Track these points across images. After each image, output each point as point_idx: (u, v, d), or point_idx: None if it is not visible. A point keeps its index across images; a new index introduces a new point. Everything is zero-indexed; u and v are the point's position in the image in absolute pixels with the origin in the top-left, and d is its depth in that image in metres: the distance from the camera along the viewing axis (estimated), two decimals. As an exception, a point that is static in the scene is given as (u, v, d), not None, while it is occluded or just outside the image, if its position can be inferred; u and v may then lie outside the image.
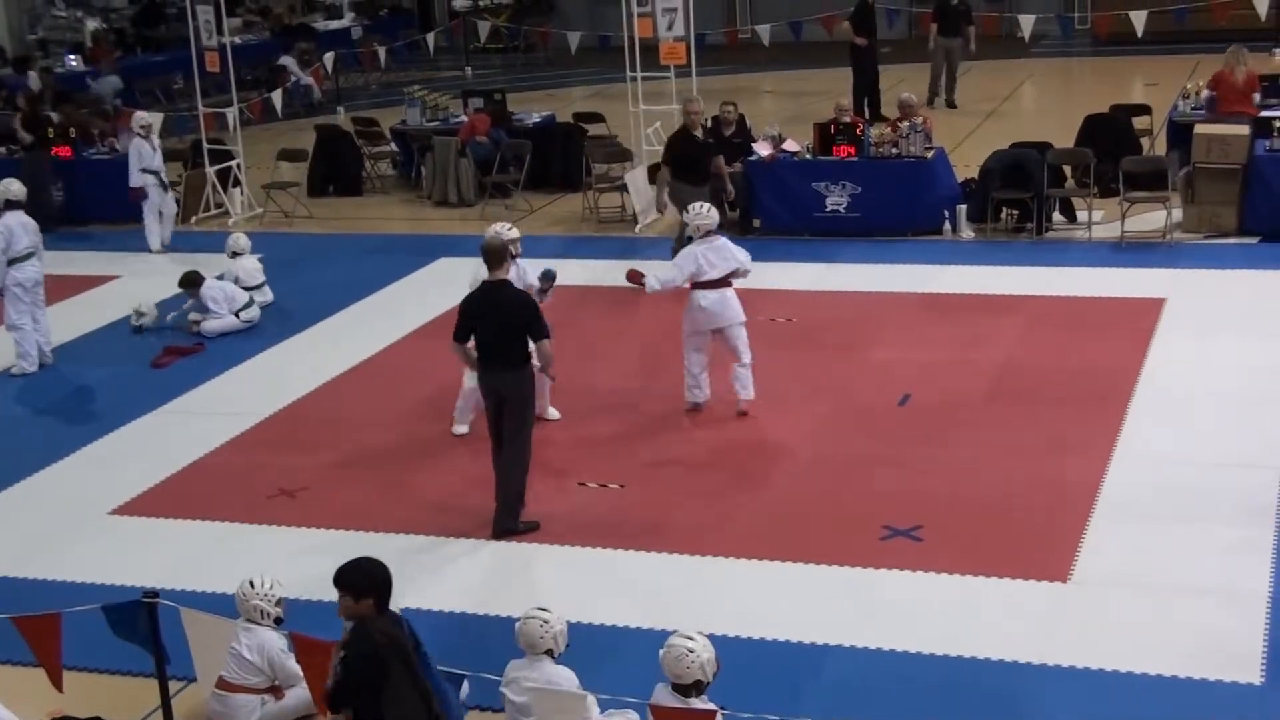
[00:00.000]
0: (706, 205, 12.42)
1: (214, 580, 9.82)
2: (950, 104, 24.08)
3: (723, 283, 12.12)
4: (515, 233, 12.11)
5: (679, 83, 19.21)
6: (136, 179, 18.48)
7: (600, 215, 18.96)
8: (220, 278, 15.82)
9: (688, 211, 12.49)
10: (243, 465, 12.07)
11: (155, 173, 18.60)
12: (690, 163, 15.61)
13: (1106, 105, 19.36)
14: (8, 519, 11.41)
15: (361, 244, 18.60)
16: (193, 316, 15.40)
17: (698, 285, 12.11)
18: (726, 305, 12.15)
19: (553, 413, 12.42)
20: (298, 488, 11.49)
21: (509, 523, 10.38)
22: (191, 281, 15.42)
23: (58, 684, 7.38)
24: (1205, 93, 17.78)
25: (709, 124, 18.21)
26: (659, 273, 12.37)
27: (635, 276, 12.61)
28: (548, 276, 12.08)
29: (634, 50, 19.20)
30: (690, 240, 12.27)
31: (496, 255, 10.29)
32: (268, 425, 12.89)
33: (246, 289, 15.66)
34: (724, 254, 12.09)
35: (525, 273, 12.02)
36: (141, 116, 19.00)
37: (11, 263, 14.27)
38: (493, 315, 10.25)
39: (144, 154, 18.52)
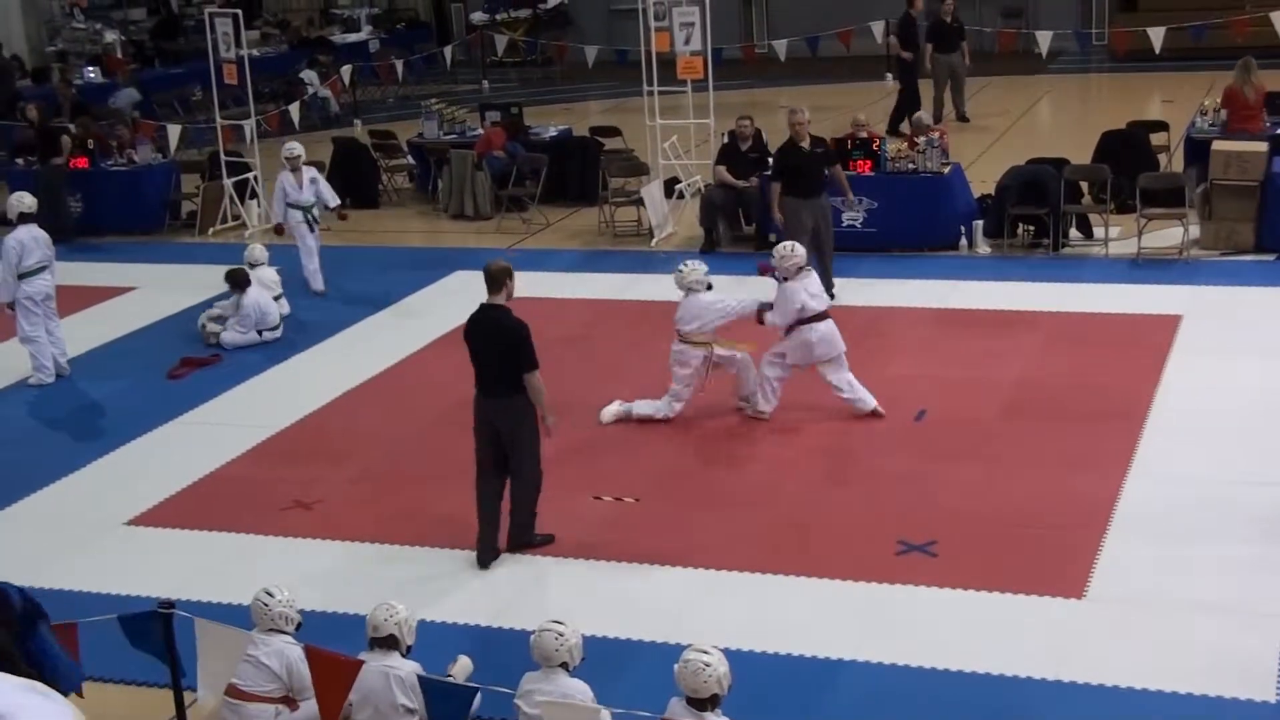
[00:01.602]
0: (791, 244, 12.42)
1: (230, 591, 9.85)
2: (962, 118, 24.08)
3: (826, 314, 12.23)
4: (704, 267, 12.40)
5: (696, 97, 19.24)
6: (280, 212, 17.06)
7: (616, 229, 18.97)
8: (228, 294, 15.87)
9: (774, 255, 12.39)
10: (258, 477, 12.10)
11: (303, 209, 16.88)
12: (800, 175, 15.00)
13: (1124, 122, 19.35)
14: (25, 529, 11.45)
15: (377, 257, 18.64)
16: (211, 328, 15.43)
17: (804, 320, 12.17)
18: (834, 336, 12.24)
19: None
20: (313, 500, 11.51)
21: (524, 537, 10.33)
22: (238, 282, 15.37)
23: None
24: (1223, 113, 17.74)
25: (726, 138, 18.26)
26: (776, 316, 12.31)
27: (766, 269, 12.77)
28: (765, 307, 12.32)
29: (651, 64, 19.23)
30: (784, 278, 12.28)
31: (495, 279, 10.06)
32: (283, 437, 12.92)
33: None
34: (818, 286, 12.31)
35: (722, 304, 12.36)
36: (290, 148, 17.11)
37: (22, 276, 14.30)
38: (485, 340, 10.09)
39: (288, 187, 16.90)
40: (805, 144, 15.15)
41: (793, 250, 12.29)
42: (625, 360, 14.10)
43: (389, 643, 7.99)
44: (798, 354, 12.28)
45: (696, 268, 12.40)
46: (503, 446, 10.15)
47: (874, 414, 12.31)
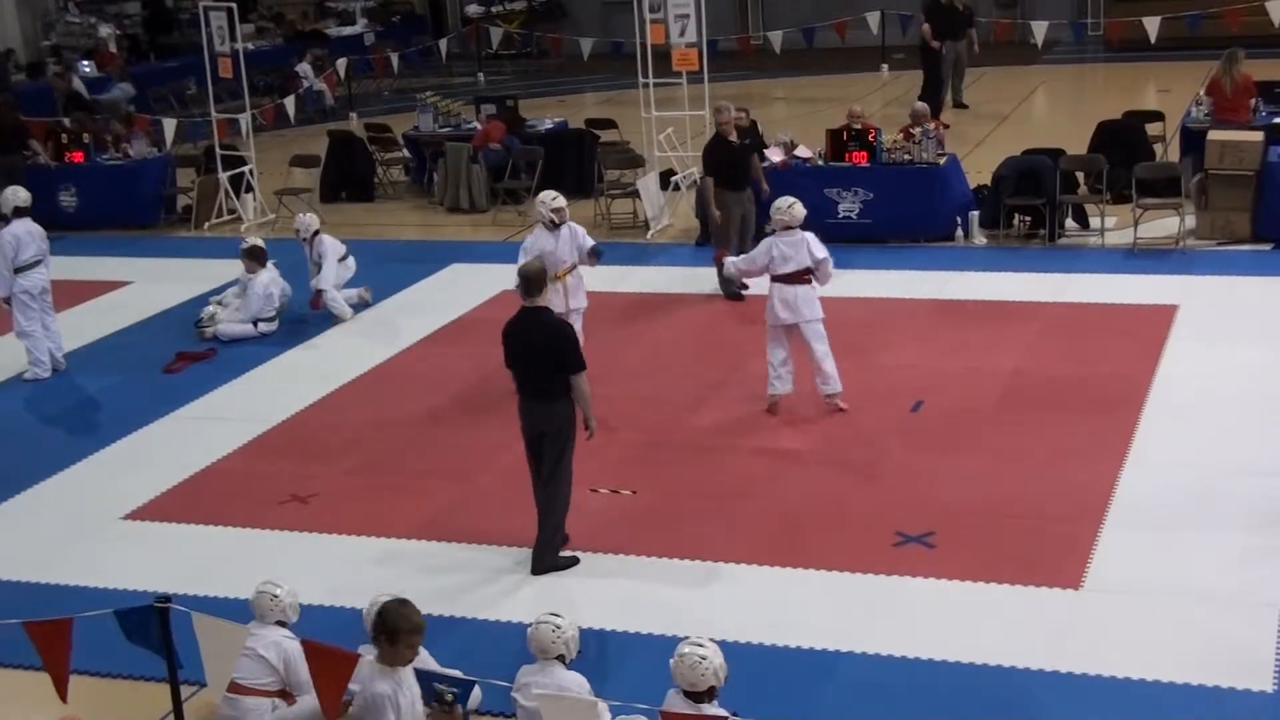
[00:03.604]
0: (790, 200, 12.33)
1: (226, 585, 9.85)
2: (961, 104, 24.08)
3: (797, 278, 12.11)
4: (561, 201, 12.76)
5: (691, 88, 19.22)
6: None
7: (612, 221, 18.97)
8: (234, 283, 15.88)
9: (774, 207, 12.38)
10: (255, 471, 12.09)
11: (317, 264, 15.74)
12: (728, 168, 15.35)
13: (1119, 111, 19.36)
14: (21, 524, 11.43)
15: (373, 250, 18.58)
16: (206, 323, 15.42)
17: (775, 279, 12.18)
18: (800, 301, 12.14)
19: None
20: (309, 493, 11.50)
21: (549, 559, 10.00)
22: (258, 257, 15.34)
23: (62, 693, 7.36)
24: (1206, 100, 17.80)
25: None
26: (740, 260, 12.70)
27: (720, 258, 13.12)
28: (595, 253, 12.89)
29: (646, 56, 19.21)
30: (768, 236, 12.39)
31: (535, 282, 9.84)
32: (279, 431, 12.91)
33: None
34: (799, 249, 12.09)
35: (578, 234, 12.78)
36: (298, 222, 16.02)
37: (18, 270, 14.30)
38: (529, 344, 9.80)
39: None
40: (733, 138, 15.51)
41: (789, 207, 12.21)
42: (620, 351, 14.08)
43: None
44: (769, 314, 12.27)
45: (546, 200, 12.87)
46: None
47: (838, 407, 12.30)
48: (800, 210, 12.23)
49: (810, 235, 12.21)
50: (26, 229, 14.37)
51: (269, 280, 15.38)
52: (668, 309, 14.54)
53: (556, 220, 12.72)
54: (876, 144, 17.22)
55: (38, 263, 14.41)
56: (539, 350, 9.76)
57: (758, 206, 15.50)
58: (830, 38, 26.11)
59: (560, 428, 9.81)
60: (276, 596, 8.29)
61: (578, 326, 12.18)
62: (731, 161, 15.40)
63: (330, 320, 15.66)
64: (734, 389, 12.81)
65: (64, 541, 11.01)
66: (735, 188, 15.29)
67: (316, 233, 15.81)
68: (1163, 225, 16.58)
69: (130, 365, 14.90)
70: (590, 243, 12.91)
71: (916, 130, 17.31)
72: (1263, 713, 7.94)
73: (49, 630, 7.41)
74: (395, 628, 7.12)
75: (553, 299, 12.44)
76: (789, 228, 12.15)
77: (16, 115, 21.81)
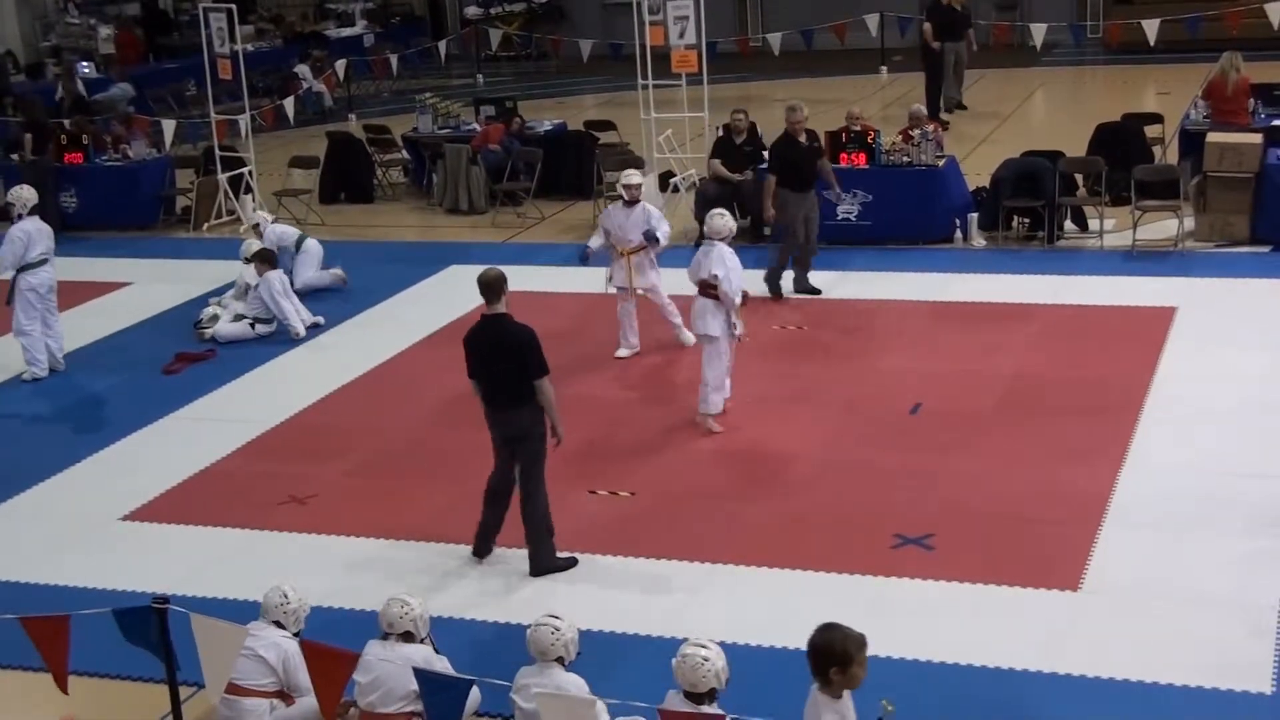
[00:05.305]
0: (720, 213, 12.28)
1: (224, 586, 9.86)
2: (959, 105, 24.08)
3: (702, 290, 12.07)
4: (636, 179, 13.81)
5: (690, 90, 19.21)
6: None
7: (611, 223, 18.94)
8: (231, 285, 15.89)
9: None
10: (253, 472, 12.08)
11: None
12: (794, 169, 15.28)
13: (1118, 114, 19.36)
14: (19, 525, 11.43)
15: (372, 251, 18.62)
16: (206, 324, 15.42)
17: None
18: (696, 313, 12.13)
19: (688, 337, 13.46)
20: (308, 495, 11.50)
21: (546, 560, 10.00)
22: (268, 260, 15.36)
23: (63, 686, 7.38)
24: (1204, 103, 17.80)
25: (720, 131, 18.24)
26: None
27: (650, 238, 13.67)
28: (650, 237, 13.55)
29: (645, 58, 19.22)
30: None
31: (493, 288, 9.81)
32: (278, 432, 12.90)
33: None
34: (707, 259, 11.98)
35: (651, 215, 13.68)
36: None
37: (26, 268, 14.31)
38: (490, 352, 9.77)
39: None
40: (801, 139, 15.36)
41: (713, 216, 12.18)
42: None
43: (404, 637, 7.98)
44: None
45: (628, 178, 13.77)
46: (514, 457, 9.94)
47: (709, 429, 12.12)
48: (717, 223, 12.08)
49: (722, 249, 11.96)
50: (36, 226, 14.41)
51: (277, 277, 15.36)
52: (662, 310, 14.45)
53: (627, 197, 13.59)
54: (875, 146, 17.22)
55: (44, 261, 14.42)
56: (501, 357, 9.71)
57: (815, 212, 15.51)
58: (829, 40, 26.12)
59: (529, 433, 9.80)
60: (286, 597, 8.31)
61: (666, 306, 13.85)
62: (797, 161, 15.28)
63: (329, 322, 15.66)
64: (732, 391, 12.79)
65: (62, 542, 11.00)
66: (798, 189, 15.18)
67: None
68: (1161, 227, 16.57)
69: (129, 366, 14.90)
70: (658, 227, 13.58)
71: (915, 132, 17.32)
72: (1261, 715, 7.96)
73: (46, 627, 7.41)
74: (846, 653, 6.87)
75: (617, 274, 13.67)
76: (708, 239, 12.12)
77: (46, 115, 21.81)
